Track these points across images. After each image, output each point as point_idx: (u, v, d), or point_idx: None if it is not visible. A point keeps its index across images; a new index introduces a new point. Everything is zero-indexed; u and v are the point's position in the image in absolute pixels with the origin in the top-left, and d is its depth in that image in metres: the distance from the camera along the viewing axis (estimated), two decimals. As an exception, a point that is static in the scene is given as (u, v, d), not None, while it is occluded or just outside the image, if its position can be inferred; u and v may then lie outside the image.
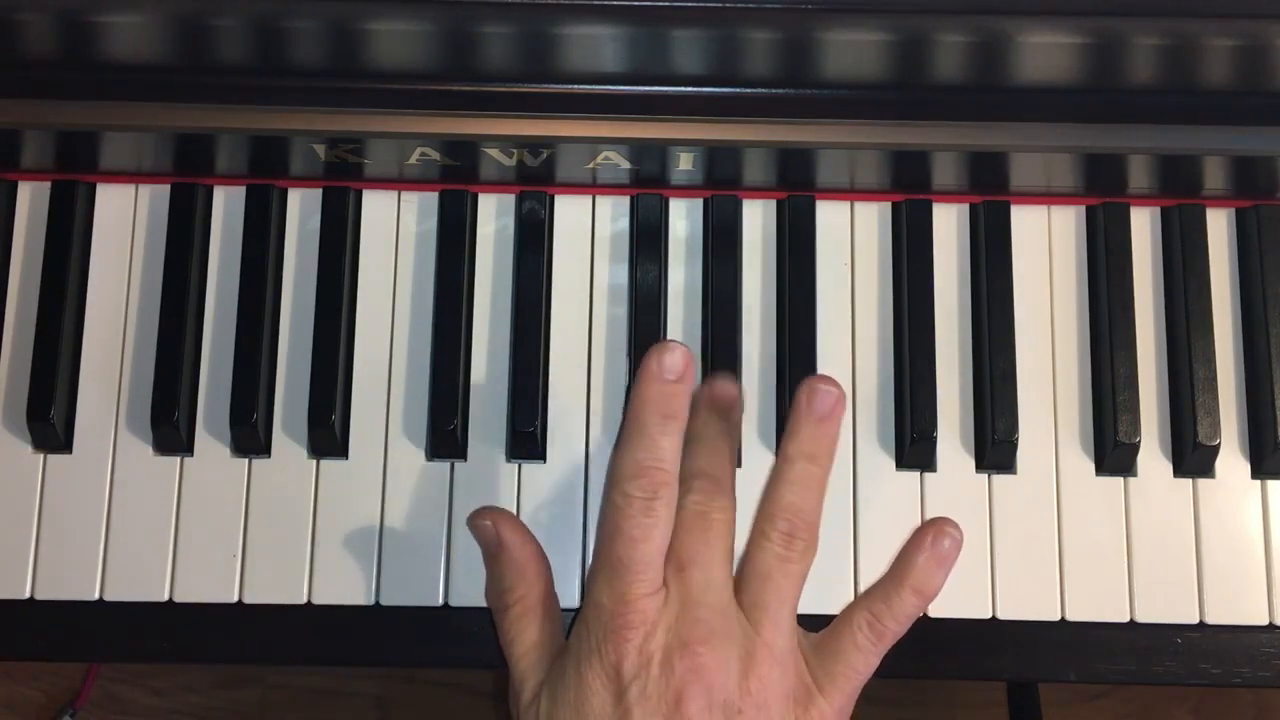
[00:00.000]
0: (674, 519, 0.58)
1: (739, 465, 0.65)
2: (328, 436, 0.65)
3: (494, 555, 0.62)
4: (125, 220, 0.69)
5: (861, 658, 0.59)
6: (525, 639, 0.60)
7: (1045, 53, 0.61)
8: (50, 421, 0.65)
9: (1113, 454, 0.66)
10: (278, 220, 0.68)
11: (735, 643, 0.57)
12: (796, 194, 0.68)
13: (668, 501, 0.58)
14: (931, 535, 0.61)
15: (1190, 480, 0.67)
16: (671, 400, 0.58)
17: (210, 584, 0.65)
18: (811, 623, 0.62)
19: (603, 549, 0.58)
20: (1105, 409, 0.66)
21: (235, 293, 0.67)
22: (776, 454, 0.62)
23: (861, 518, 0.66)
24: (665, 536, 0.58)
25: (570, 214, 0.69)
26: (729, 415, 0.62)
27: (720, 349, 0.67)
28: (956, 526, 0.61)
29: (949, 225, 0.69)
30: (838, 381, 0.61)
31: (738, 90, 0.63)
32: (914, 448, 0.66)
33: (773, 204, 0.69)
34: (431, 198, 0.69)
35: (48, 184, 0.68)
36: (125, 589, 0.65)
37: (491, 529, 0.62)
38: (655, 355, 0.59)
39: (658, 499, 0.57)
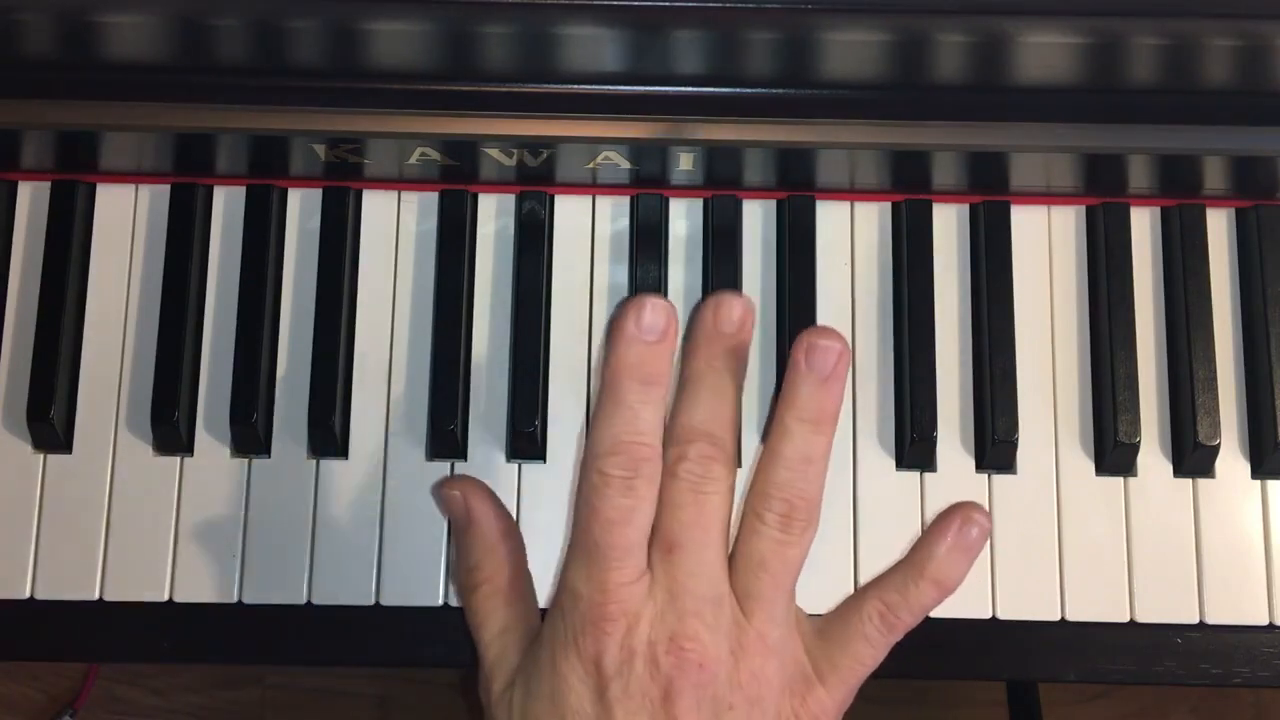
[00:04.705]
0: (658, 494, 0.54)
1: (739, 465, 0.65)
2: (327, 436, 0.65)
3: (462, 529, 0.60)
4: (125, 220, 0.69)
5: (870, 650, 0.57)
6: (494, 622, 0.57)
7: (1045, 53, 0.61)
8: (50, 421, 0.65)
9: (1113, 454, 0.66)
10: (278, 220, 0.68)
11: (725, 634, 0.54)
12: (796, 194, 0.68)
13: (649, 478, 0.53)
14: (959, 522, 0.57)
15: (1190, 480, 0.67)
16: (652, 364, 0.53)
17: (210, 584, 0.65)
18: (811, 623, 0.62)
19: (579, 532, 0.54)
20: (1105, 409, 0.66)
21: (235, 293, 0.67)
22: (772, 420, 0.58)
23: (861, 518, 0.66)
24: (648, 517, 0.54)
25: (570, 214, 0.69)
26: (734, 352, 0.56)
27: (720, 349, 0.67)
28: (985, 514, 0.57)
29: (949, 225, 0.69)
30: (840, 334, 0.56)
31: (738, 90, 0.63)
32: (914, 448, 0.66)
33: (773, 204, 0.69)
34: (431, 198, 0.69)
35: (48, 184, 0.68)
36: (125, 589, 0.65)
37: (460, 500, 0.59)
38: (633, 312, 0.53)
39: (639, 477, 0.53)
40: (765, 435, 0.59)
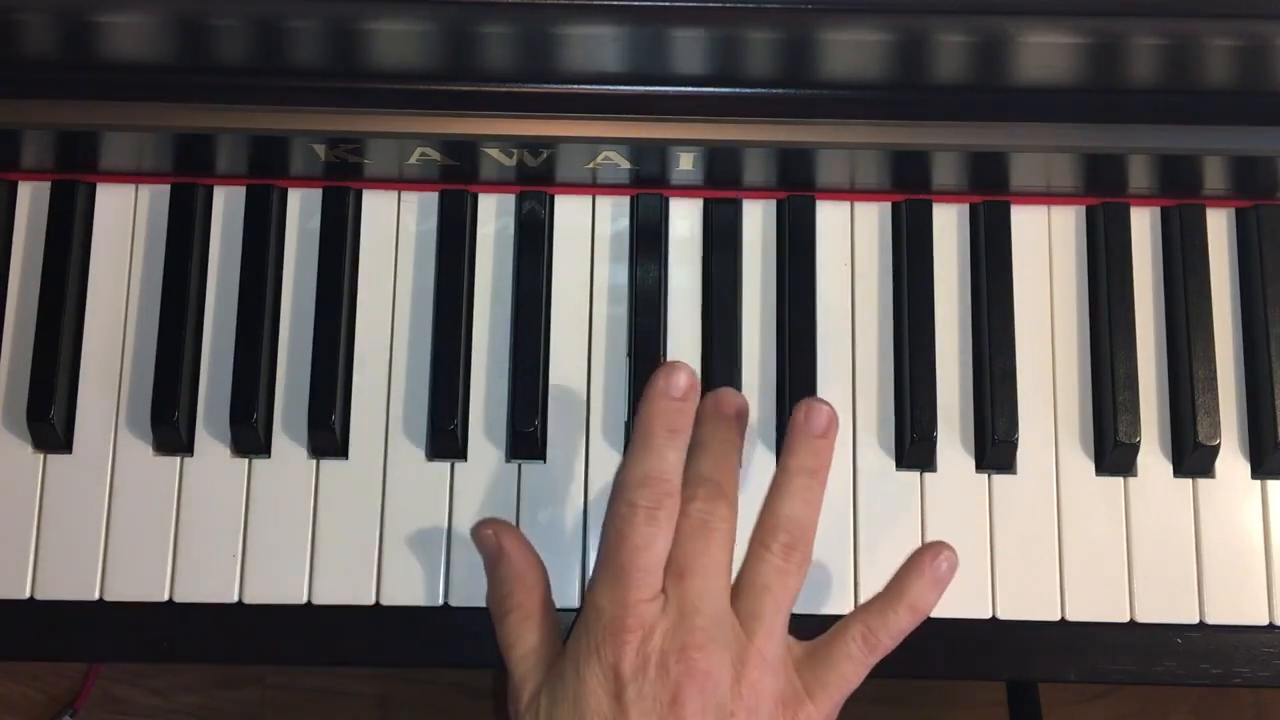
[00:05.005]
0: (674, 528, 0.60)
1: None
2: (328, 436, 0.65)
3: (495, 563, 0.64)
4: (125, 220, 0.69)
5: (853, 668, 0.61)
6: (524, 643, 0.62)
7: (1045, 53, 0.61)
8: (50, 421, 0.65)
9: (1113, 454, 0.66)
10: (278, 220, 0.68)
11: (729, 649, 0.59)
12: (796, 194, 0.68)
13: (670, 512, 0.60)
14: (930, 558, 0.63)
15: (1190, 480, 0.67)
16: (677, 416, 0.61)
17: (210, 584, 0.65)
18: (810, 623, 0.62)
19: (606, 555, 0.60)
20: (1105, 409, 0.66)
21: (235, 293, 0.67)
22: (776, 467, 0.63)
23: (861, 518, 0.66)
24: (666, 545, 0.60)
25: (570, 214, 0.69)
26: (734, 425, 0.64)
27: (720, 349, 0.67)
28: (953, 550, 0.63)
29: (949, 225, 0.69)
30: (829, 402, 0.63)
31: (738, 90, 0.63)
32: (914, 448, 0.66)
33: (773, 204, 0.69)
34: (431, 198, 0.69)
35: (48, 184, 0.68)
36: (125, 589, 0.65)
37: (493, 538, 0.64)
38: (662, 374, 0.62)
39: (661, 509, 0.60)
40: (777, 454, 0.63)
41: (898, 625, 0.62)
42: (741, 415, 0.64)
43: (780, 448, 0.65)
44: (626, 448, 0.63)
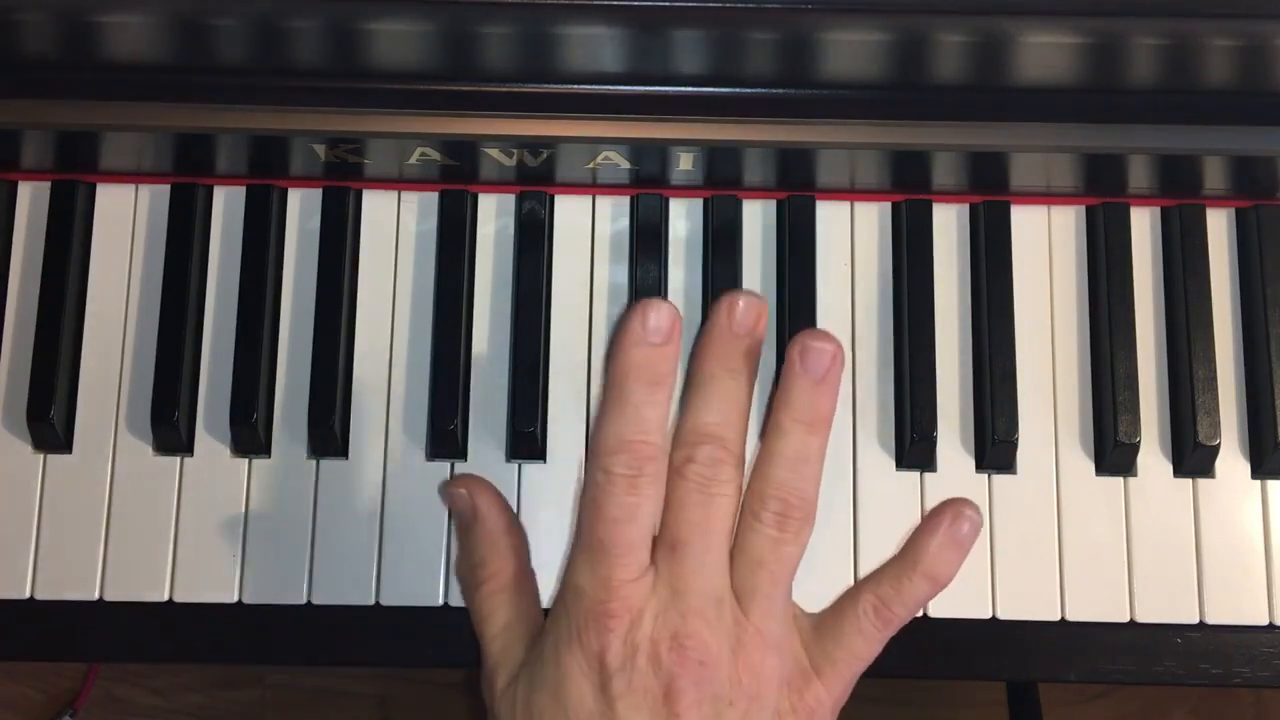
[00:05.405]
0: (663, 493, 0.55)
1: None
2: (328, 436, 0.65)
3: (467, 526, 0.60)
4: (125, 220, 0.69)
5: (864, 643, 0.57)
6: (498, 618, 0.58)
7: (1045, 53, 0.61)
8: (50, 421, 0.65)
9: (1113, 454, 0.66)
10: (278, 220, 0.68)
11: (726, 632, 0.54)
12: (796, 194, 0.68)
13: (654, 477, 0.54)
14: (950, 517, 0.58)
15: (1190, 480, 0.67)
16: (657, 365, 0.54)
17: (210, 584, 0.65)
18: (811, 623, 0.62)
19: (583, 529, 0.55)
20: (1105, 409, 0.66)
21: (235, 293, 0.67)
22: (767, 421, 0.58)
23: (861, 518, 0.66)
24: (652, 515, 0.54)
25: (570, 214, 0.69)
26: (748, 351, 0.56)
27: (720, 349, 0.67)
28: (975, 509, 0.58)
29: (949, 225, 0.69)
30: (834, 336, 0.56)
31: (738, 90, 0.63)
32: (914, 448, 0.66)
33: (773, 204, 0.69)
34: (431, 198, 0.69)
35: (48, 184, 0.68)
36: (125, 589, 0.65)
37: (467, 498, 0.60)
38: (639, 314, 0.54)
39: (642, 476, 0.54)
40: (763, 434, 0.60)
41: (913, 595, 0.57)
42: (758, 334, 0.56)
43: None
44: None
